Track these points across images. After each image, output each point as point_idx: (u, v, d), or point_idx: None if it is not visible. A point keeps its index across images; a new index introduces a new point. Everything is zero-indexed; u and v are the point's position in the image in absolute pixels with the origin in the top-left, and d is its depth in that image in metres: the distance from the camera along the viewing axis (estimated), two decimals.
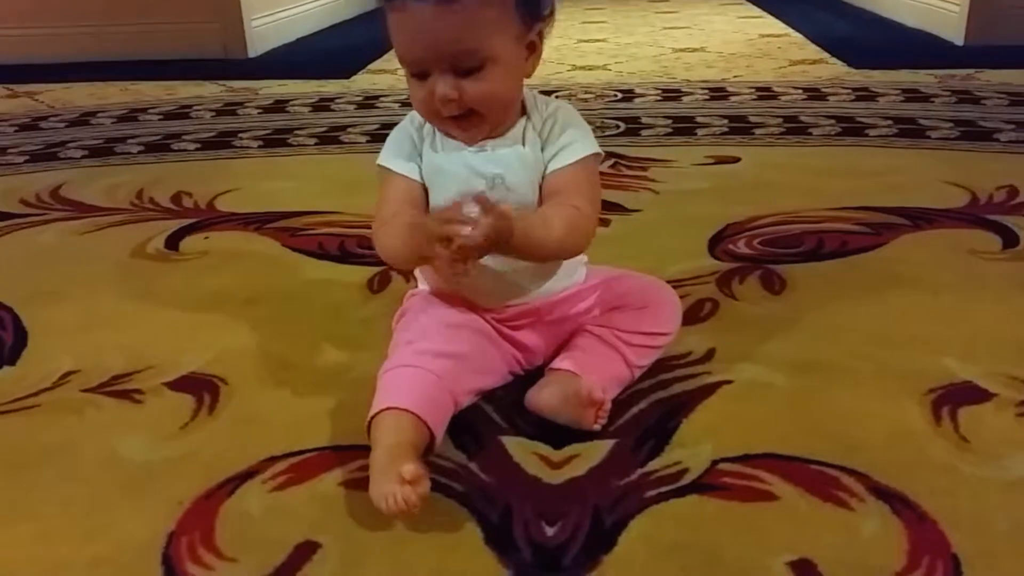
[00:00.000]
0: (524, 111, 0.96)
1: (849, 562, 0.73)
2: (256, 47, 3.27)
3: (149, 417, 0.97)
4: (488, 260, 0.89)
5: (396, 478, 0.75)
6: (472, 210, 0.80)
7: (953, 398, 0.95)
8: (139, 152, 2.05)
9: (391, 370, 0.89)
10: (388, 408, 0.84)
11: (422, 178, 0.95)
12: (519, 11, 0.89)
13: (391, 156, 0.97)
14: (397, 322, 0.99)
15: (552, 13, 0.94)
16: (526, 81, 0.95)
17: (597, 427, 0.90)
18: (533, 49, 0.92)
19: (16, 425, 0.97)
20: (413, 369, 0.88)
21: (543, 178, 0.94)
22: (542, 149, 0.94)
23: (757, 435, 0.90)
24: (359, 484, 0.82)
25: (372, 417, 0.84)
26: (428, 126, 0.96)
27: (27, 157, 2.04)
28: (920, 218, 1.45)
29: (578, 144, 0.94)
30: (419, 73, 0.89)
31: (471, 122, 0.91)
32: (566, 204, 0.91)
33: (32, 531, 0.81)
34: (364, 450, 0.84)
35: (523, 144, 0.94)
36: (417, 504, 0.75)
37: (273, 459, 0.88)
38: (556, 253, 0.94)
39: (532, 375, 0.98)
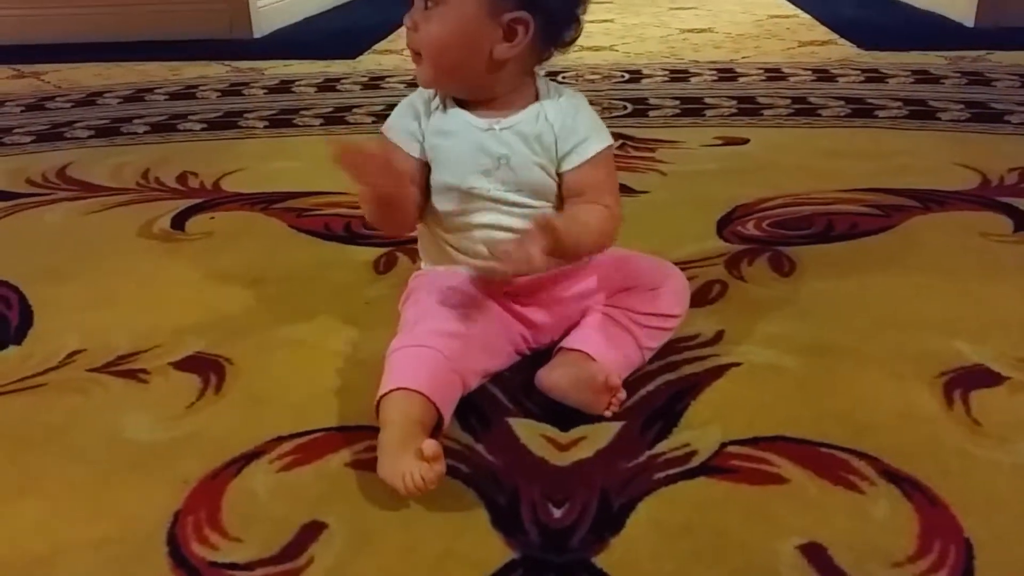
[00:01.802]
0: (537, 97, 0.96)
1: (859, 546, 0.72)
2: (262, 27, 3.26)
3: (155, 397, 0.97)
4: (489, 232, 0.93)
5: (415, 455, 0.76)
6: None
7: (965, 381, 0.94)
8: (145, 132, 2.04)
9: (399, 349, 0.88)
10: (397, 388, 0.83)
11: (422, 154, 0.96)
12: None
13: (394, 127, 0.98)
14: (403, 303, 0.99)
15: (564, 25, 0.94)
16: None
17: (609, 413, 0.89)
18: (512, 36, 0.90)
19: (22, 404, 0.96)
20: (422, 348, 0.87)
21: (559, 173, 0.95)
22: (556, 141, 0.94)
23: (766, 418, 0.89)
24: (366, 464, 0.82)
25: (381, 397, 0.84)
26: (437, 99, 0.96)
27: (33, 137, 2.03)
28: (931, 200, 1.44)
29: (593, 139, 0.94)
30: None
31: (417, 62, 0.94)
32: (597, 204, 0.93)
33: (38, 510, 0.80)
34: (371, 431, 0.83)
35: (534, 128, 0.93)
36: (435, 482, 0.75)
37: (280, 439, 0.88)
38: (594, 251, 0.96)
39: (539, 356, 0.97)
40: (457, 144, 0.94)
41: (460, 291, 0.95)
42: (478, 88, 0.94)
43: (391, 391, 0.83)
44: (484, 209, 0.95)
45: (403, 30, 0.95)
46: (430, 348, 0.87)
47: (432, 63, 0.92)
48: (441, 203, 0.96)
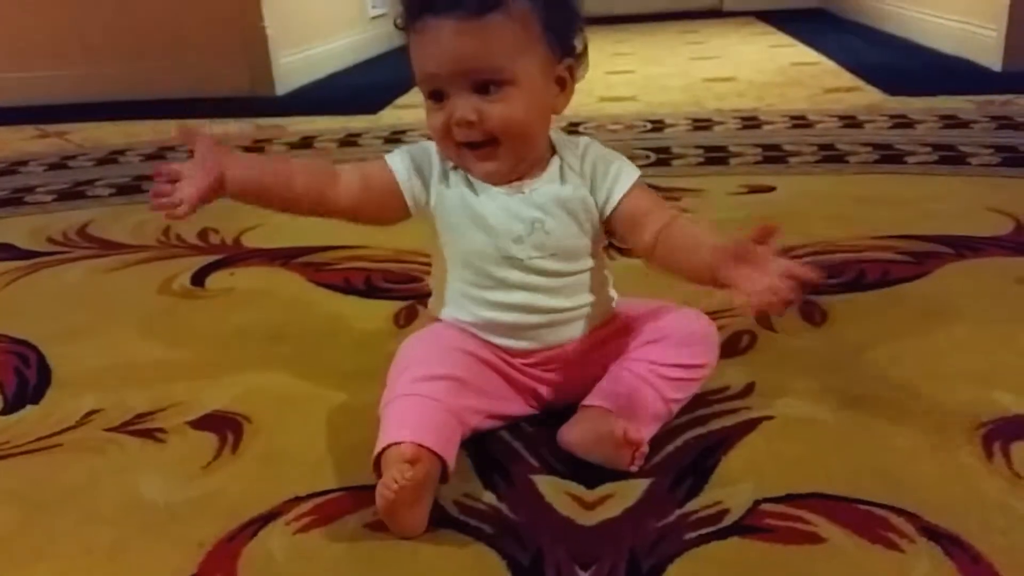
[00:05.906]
0: (554, 151, 0.94)
1: None
2: (284, 85, 3.30)
3: (172, 457, 0.95)
4: (526, 297, 0.91)
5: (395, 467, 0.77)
6: None
7: (1005, 433, 0.91)
8: None
9: (389, 403, 0.86)
10: (391, 445, 0.81)
11: (411, 196, 0.93)
12: (547, 39, 0.88)
13: (397, 157, 0.94)
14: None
15: (584, 52, 0.93)
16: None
17: (634, 468, 0.87)
18: (563, 86, 0.91)
19: (39, 464, 0.95)
20: (410, 398, 0.85)
21: (602, 215, 0.93)
22: (591, 191, 0.92)
23: (801, 473, 0.86)
24: (383, 526, 0.80)
25: (377, 456, 0.82)
26: (454, 169, 0.93)
27: (55, 195, 2.04)
28: (964, 246, 1.41)
29: (625, 170, 0.93)
30: (436, 93, 0.88)
31: (489, 152, 0.89)
32: (669, 212, 0.93)
33: (53, 572, 0.79)
34: None
35: (561, 183, 0.92)
36: (407, 482, 0.75)
37: (297, 500, 0.86)
38: None
39: (565, 410, 0.94)
40: (489, 212, 0.91)
41: (451, 336, 0.93)
42: (530, 153, 0.91)
43: (387, 448, 0.81)
44: (514, 279, 0.92)
45: None
46: (417, 396, 0.85)
47: (512, 145, 0.88)
48: (467, 272, 0.94)
